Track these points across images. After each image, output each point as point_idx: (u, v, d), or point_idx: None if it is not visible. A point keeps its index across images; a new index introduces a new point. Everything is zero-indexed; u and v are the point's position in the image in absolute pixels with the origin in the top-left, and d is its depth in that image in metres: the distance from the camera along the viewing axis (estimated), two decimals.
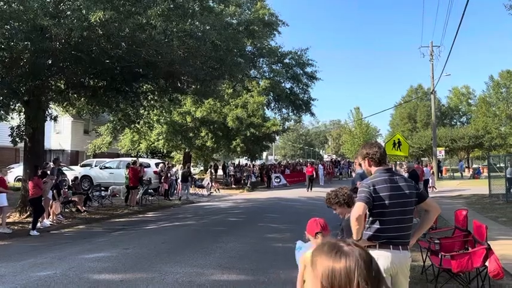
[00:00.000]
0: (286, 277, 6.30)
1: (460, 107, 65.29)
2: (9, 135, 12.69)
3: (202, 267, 7.20)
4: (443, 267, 5.45)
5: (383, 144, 15.08)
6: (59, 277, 6.60)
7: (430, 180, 21.43)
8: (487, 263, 5.10)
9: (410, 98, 62.39)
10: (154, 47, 11.09)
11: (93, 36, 10.54)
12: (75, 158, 35.33)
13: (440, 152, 33.91)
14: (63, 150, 36.03)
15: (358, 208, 3.38)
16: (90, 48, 11.30)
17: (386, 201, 3.43)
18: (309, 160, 51.91)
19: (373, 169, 3.67)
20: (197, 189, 24.08)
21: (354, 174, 11.60)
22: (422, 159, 44.43)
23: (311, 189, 24.64)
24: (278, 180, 29.92)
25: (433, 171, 24.56)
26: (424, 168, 21.25)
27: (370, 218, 3.52)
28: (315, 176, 26.74)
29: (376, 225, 3.48)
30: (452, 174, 39.53)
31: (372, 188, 3.46)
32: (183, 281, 6.37)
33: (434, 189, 21.80)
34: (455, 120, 65.97)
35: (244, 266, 7.36)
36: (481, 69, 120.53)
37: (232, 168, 32.33)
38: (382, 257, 3.43)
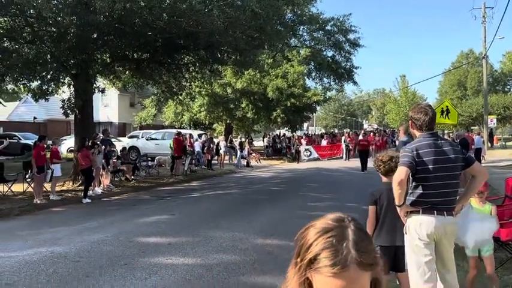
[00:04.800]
0: None
1: None
2: (60, 108, 13.33)
3: (245, 232, 7.40)
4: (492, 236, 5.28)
5: None
6: (111, 240, 7.01)
7: (482, 150, 20.45)
8: None
9: (460, 64, 59.16)
10: (195, 17, 11.12)
11: (135, 8, 10.70)
12: (122, 130, 36.68)
13: (492, 121, 32.19)
14: (111, 122, 37.47)
15: (400, 172, 3.32)
16: (132, 20, 11.50)
17: (430, 166, 3.34)
18: (353, 131, 49.84)
19: (417, 133, 3.58)
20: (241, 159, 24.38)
21: (397, 142, 11.31)
22: (473, 128, 42.48)
23: (366, 169, 18.41)
24: (308, 153, 26.88)
25: (483, 140, 23.38)
26: (476, 137, 20.26)
27: (413, 183, 3.45)
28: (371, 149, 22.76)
29: (419, 190, 3.42)
30: (504, 143, 37.60)
31: (415, 152, 3.38)
32: (227, 245, 6.59)
33: (484, 158, 20.84)
34: (508, 87, 62.03)
35: (286, 231, 7.48)
36: None
37: (266, 139, 32.13)
38: (426, 222, 3.38)
